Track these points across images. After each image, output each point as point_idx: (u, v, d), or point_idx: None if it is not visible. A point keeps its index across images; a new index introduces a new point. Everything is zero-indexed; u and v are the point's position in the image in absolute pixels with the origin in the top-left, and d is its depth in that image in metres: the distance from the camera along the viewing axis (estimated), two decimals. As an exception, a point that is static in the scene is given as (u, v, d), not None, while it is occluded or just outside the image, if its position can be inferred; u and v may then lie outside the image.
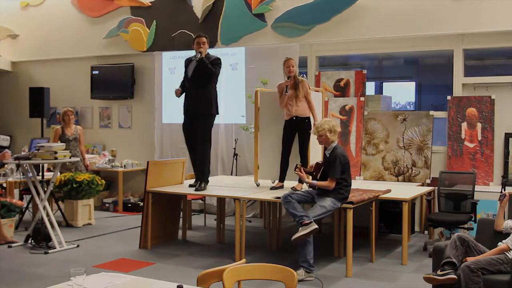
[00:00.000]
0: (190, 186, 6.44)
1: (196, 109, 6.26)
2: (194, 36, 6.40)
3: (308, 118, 6.07)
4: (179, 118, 6.58)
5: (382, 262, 5.81)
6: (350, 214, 5.24)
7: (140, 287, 2.70)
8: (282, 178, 6.24)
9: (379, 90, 11.25)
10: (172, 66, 9.04)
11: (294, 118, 6.07)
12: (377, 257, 5.87)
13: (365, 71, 7.96)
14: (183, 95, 6.38)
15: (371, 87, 10.75)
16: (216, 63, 6.24)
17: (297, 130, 6.11)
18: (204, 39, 6.23)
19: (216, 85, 6.41)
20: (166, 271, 5.38)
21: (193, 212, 8.05)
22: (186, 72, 6.37)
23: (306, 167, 5.60)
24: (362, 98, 7.81)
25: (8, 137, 7.23)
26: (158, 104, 9.26)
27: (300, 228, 5.00)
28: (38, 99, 9.03)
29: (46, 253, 6.01)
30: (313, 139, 6.17)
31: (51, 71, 10.37)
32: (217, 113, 6.42)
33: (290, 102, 6.06)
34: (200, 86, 6.23)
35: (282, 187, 6.18)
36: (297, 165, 5.35)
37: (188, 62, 6.41)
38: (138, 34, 9.24)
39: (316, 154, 6.41)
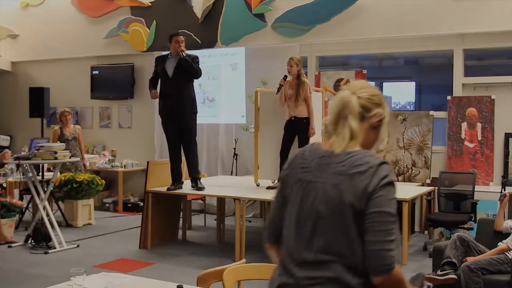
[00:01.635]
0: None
1: (183, 108, 6.11)
2: (170, 34, 6.29)
3: (307, 118, 6.04)
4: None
5: (382, 262, 5.79)
6: (350, 214, 5.23)
7: (140, 287, 2.70)
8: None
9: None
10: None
11: (293, 118, 6.07)
12: (377, 257, 5.85)
13: (365, 71, 7.95)
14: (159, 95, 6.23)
15: (371, 87, 10.74)
16: (197, 61, 6.18)
17: (296, 130, 6.09)
18: (183, 38, 6.18)
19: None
20: (166, 271, 5.38)
21: (193, 212, 8.05)
22: (163, 70, 6.17)
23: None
24: (362, 98, 7.79)
25: (8, 137, 7.22)
26: (158, 104, 9.26)
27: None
28: (38, 99, 9.02)
29: (46, 253, 6.01)
30: (313, 139, 6.18)
31: (51, 71, 10.36)
32: (197, 111, 6.32)
33: (290, 102, 6.05)
34: (183, 85, 6.12)
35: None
36: None
37: (161, 60, 6.26)
38: (138, 34, 9.24)
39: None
